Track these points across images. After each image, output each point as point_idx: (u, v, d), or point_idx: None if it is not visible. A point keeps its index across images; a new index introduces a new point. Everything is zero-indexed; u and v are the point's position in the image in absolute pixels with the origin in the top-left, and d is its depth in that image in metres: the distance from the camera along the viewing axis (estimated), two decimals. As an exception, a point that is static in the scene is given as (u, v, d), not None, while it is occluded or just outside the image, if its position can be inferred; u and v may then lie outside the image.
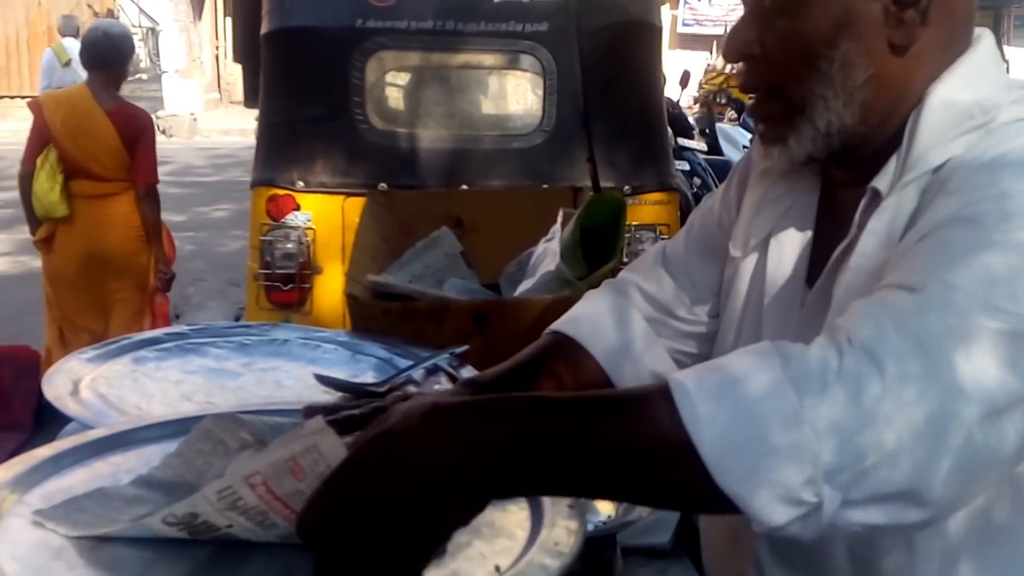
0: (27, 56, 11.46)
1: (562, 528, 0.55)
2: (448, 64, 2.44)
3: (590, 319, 0.72)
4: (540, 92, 2.34)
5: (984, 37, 0.62)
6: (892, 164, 0.58)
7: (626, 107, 2.26)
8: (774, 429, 0.44)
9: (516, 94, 2.69)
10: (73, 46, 6.23)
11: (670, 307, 0.72)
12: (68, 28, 6.54)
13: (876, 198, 0.58)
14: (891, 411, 0.45)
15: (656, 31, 2.40)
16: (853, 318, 0.49)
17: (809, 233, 0.64)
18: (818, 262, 0.63)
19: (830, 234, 0.62)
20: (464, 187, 2.18)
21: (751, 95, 0.64)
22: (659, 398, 0.46)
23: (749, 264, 0.67)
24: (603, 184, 1.83)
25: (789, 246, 0.65)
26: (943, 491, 0.46)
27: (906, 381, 0.45)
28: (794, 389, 0.45)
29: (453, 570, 0.53)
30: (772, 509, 0.45)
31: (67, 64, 6.18)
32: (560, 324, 0.73)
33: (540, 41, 2.26)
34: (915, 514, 0.46)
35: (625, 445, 0.46)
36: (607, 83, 2.17)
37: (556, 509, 0.58)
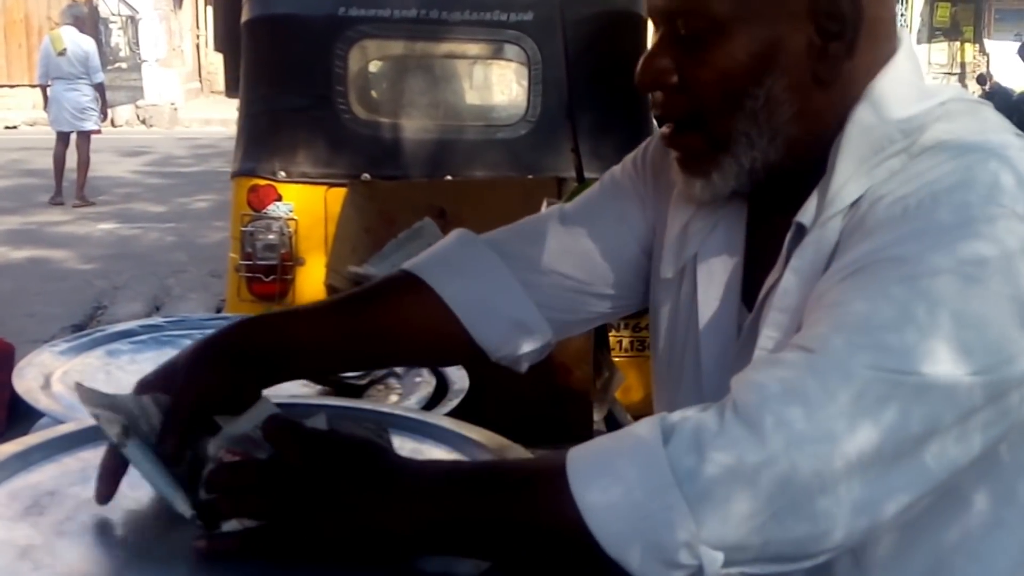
0: (3, 45, 11.24)
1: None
2: (432, 53, 2.41)
3: (443, 262, 0.68)
4: (525, 82, 2.32)
5: (903, 41, 0.59)
6: (815, 197, 0.56)
7: (611, 97, 2.24)
8: (651, 498, 0.47)
9: (501, 84, 2.67)
10: (70, 35, 6.11)
11: (553, 266, 0.68)
12: (67, 16, 6.42)
13: (801, 231, 0.57)
14: (764, 476, 0.46)
15: (641, 21, 2.39)
16: (744, 381, 0.50)
17: (739, 255, 0.62)
18: (752, 284, 0.61)
19: (761, 257, 0.60)
20: (448, 177, 2.16)
21: (663, 124, 0.61)
22: (552, 478, 0.49)
23: (679, 286, 0.65)
24: (589, 174, 1.82)
25: (719, 268, 0.62)
26: (823, 546, 0.48)
27: (778, 446, 0.46)
28: (669, 462, 0.47)
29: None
30: (655, 570, 0.47)
31: (62, 53, 6.07)
32: (411, 264, 0.68)
33: (525, 31, 2.24)
34: (804, 564, 0.49)
35: (518, 524, 0.50)
36: (592, 73, 2.16)
37: None
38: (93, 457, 0.63)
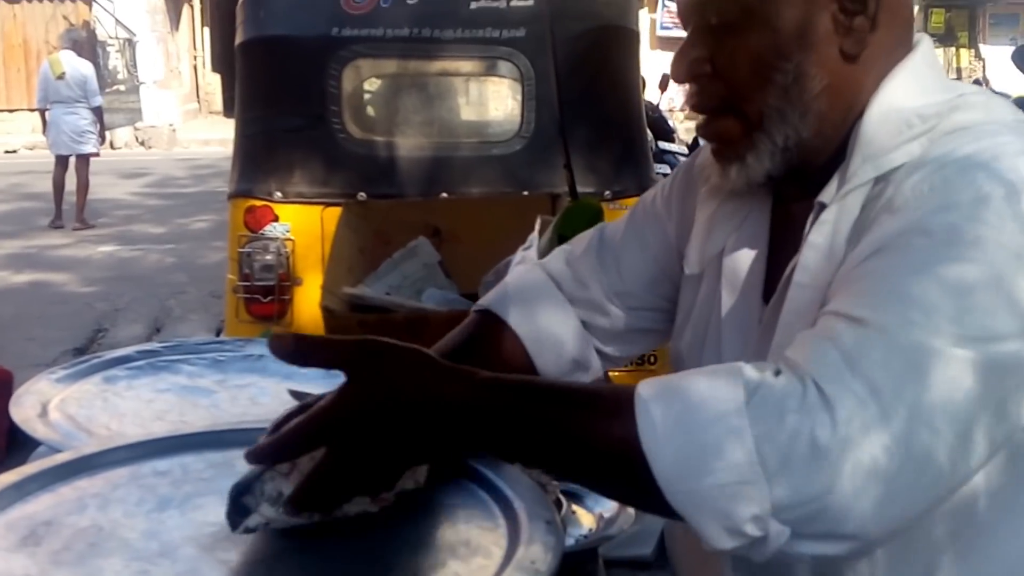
0: (2, 70, 11.34)
1: (539, 545, 0.55)
2: (426, 71, 2.44)
3: (519, 301, 0.72)
4: (519, 98, 2.34)
5: (923, 41, 0.62)
6: (835, 179, 0.58)
7: (605, 113, 2.27)
8: (726, 466, 0.46)
9: (494, 101, 2.69)
10: (69, 59, 6.17)
11: (600, 304, 0.72)
12: (65, 41, 6.49)
13: (821, 210, 0.58)
14: (845, 454, 0.46)
15: (633, 36, 2.41)
16: (805, 352, 0.49)
17: (763, 249, 0.64)
18: (773, 279, 0.62)
19: (783, 250, 0.62)
20: (444, 195, 2.17)
21: (703, 114, 0.64)
22: (624, 410, 0.48)
23: (704, 282, 0.67)
24: (582, 190, 1.83)
25: (743, 262, 0.64)
26: (886, 528, 0.48)
27: (859, 424, 0.46)
28: (752, 426, 0.46)
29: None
30: (718, 536, 0.47)
31: (60, 77, 6.13)
32: (489, 302, 0.73)
33: (517, 47, 2.26)
34: (861, 547, 0.48)
35: (589, 445, 0.50)
36: (585, 89, 2.18)
37: (534, 526, 0.57)
38: (89, 486, 0.64)
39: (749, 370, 0.48)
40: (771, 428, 0.46)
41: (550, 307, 0.72)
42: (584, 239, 0.76)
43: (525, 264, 0.95)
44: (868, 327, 0.49)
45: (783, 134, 0.59)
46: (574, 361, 0.71)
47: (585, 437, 0.50)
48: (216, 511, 0.60)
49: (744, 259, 0.64)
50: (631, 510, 0.85)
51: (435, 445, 0.53)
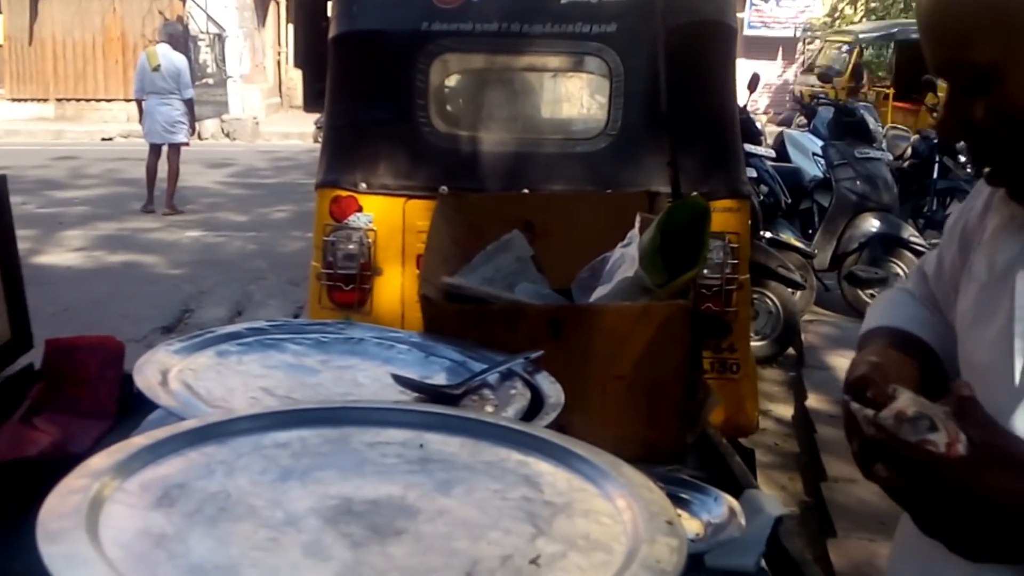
0: (102, 62, 12.05)
1: (663, 545, 0.53)
2: (513, 66, 2.43)
3: (915, 322, 0.80)
4: (605, 95, 2.30)
5: None
6: None
7: (699, 111, 2.21)
8: None
9: (581, 97, 2.67)
10: (164, 52, 6.50)
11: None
12: (162, 34, 6.83)
13: None
14: None
15: (731, 32, 2.34)
16: None
17: None
18: None
19: None
20: (526, 191, 2.17)
21: (984, 161, 0.67)
22: None
23: (998, 288, 0.69)
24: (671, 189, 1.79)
25: None
26: None
27: None
28: None
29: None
30: None
31: (156, 69, 6.45)
32: (895, 321, 0.80)
33: (608, 42, 2.22)
34: None
35: None
36: (680, 85, 2.13)
37: (654, 525, 0.55)
38: (216, 452, 0.66)
39: None
40: None
41: (938, 323, 0.80)
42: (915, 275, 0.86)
43: (626, 261, 0.96)
44: None
45: None
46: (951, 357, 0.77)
47: None
48: (336, 485, 0.62)
49: None
50: (740, 519, 0.83)
51: None
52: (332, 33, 2.35)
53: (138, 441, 0.65)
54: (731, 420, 2.28)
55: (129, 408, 1.08)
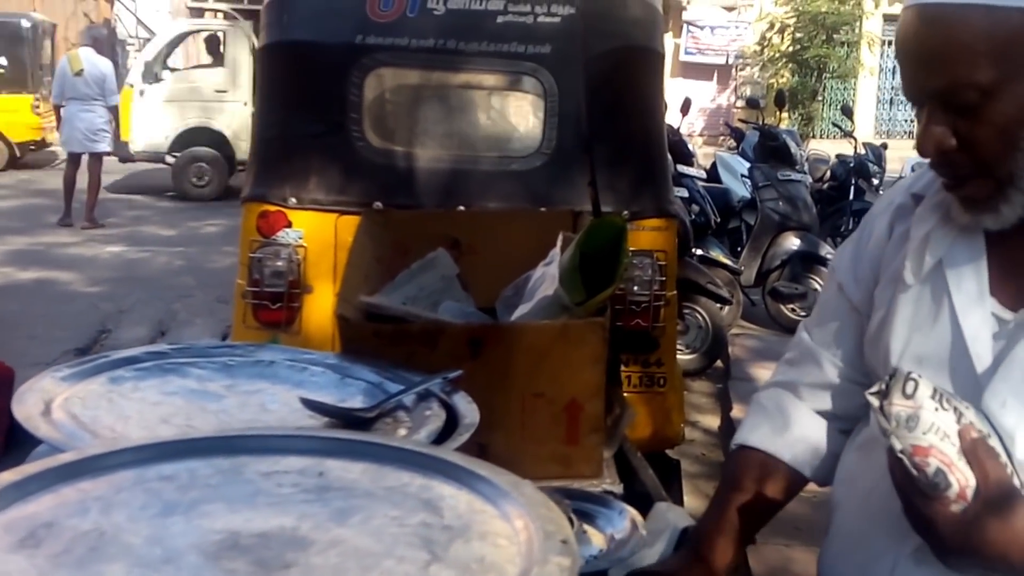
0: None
1: (555, 565, 0.52)
2: (448, 83, 2.43)
3: (779, 433, 0.85)
4: (541, 114, 2.32)
5: None
6: None
7: (627, 132, 2.25)
8: None
9: (516, 115, 2.68)
10: (88, 56, 6.22)
11: (831, 387, 0.85)
12: (86, 37, 6.54)
13: None
14: None
15: (659, 58, 2.40)
16: None
17: (981, 258, 0.72)
18: (1001, 287, 0.71)
19: (1008, 256, 0.71)
20: (461, 208, 2.16)
21: (950, 180, 0.71)
22: None
23: (924, 290, 0.74)
24: (602, 208, 1.81)
25: (968, 271, 0.72)
26: None
27: None
28: None
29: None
30: None
31: (78, 73, 6.17)
32: (756, 441, 0.86)
33: (542, 63, 2.25)
34: None
35: None
36: (609, 108, 2.16)
37: (548, 544, 0.54)
38: (92, 488, 0.61)
39: None
40: None
41: (807, 422, 0.85)
42: (796, 349, 0.89)
43: (547, 279, 0.98)
44: None
45: None
46: (834, 454, 0.84)
47: None
48: (223, 518, 0.58)
49: (968, 268, 0.72)
50: (642, 531, 0.83)
51: None
52: (261, 43, 2.29)
53: (4, 477, 0.60)
54: (658, 432, 2.31)
55: (19, 440, 1.00)
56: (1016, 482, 0.66)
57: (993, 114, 0.65)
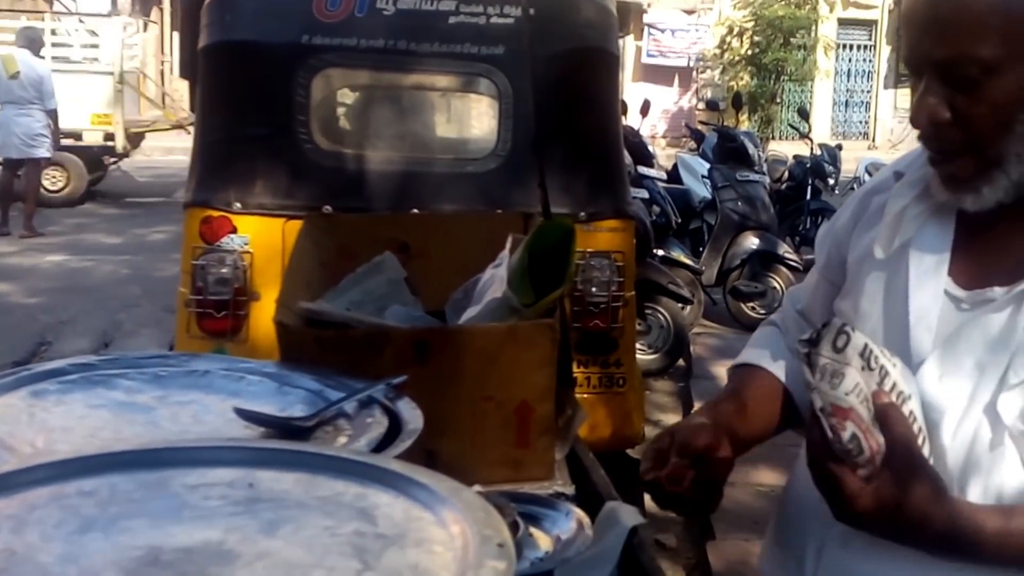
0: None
1: (489, 569, 0.50)
2: (400, 84, 2.40)
3: (769, 354, 0.89)
4: (495, 116, 2.31)
5: None
6: None
7: (582, 134, 2.25)
8: None
9: (471, 117, 2.67)
10: (24, 58, 5.96)
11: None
12: (21, 39, 6.26)
13: None
14: None
15: (613, 59, 2.41)
16: None
17: (947, 241, 0.73)
18: (962, 267, 0.72)
19: (980, 245, 0.72)
20: (415, 211, 2.13)
21: (939, 155, 0.71)
22: None
23: (891, 265, 0.76)
24: (557, 210, 1.80)
25: (931, 250, 0.73)
26: None
27: None
28: None
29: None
30: None
31: (14, 76, 5.91)
32: (754, 358, 0.90)
33: (496, 64, 2.23)
34: None
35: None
36: (563, 109, 2.16)
37: (484, 549, 0.53)
38: (4, 507, 0.57)
39: None
40: None
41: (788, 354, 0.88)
42: (785, 308, 0.94)
43: (495, 281, 0.98)
44: None
45: (1019, 171, 0.67)
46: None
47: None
48: (145, 534, 0.55)
49: (932, 247, 0.73)
50: (588, 531, 0.82)
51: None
52: (203, 42, 2.23)
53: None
54: (618, 432, 2.32)
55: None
56: (926, 449, 0.68)
57: (993, 92, 0.65)
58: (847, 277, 0.82)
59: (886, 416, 0.65)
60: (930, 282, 0.72)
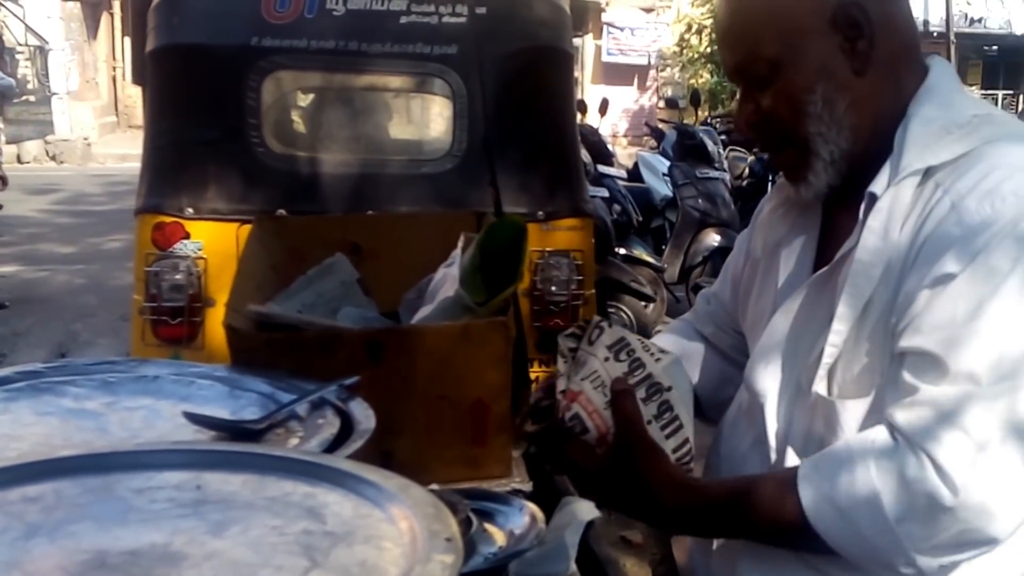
0: None
1: (437, 563, 0.52)
2: (352, 85, 2.38)
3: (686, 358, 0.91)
4: (450, 116, 2.30)
5: (938, 63, 0.76)
6: (886, 169, 0.71)
7: (536, 133, 2.26)
8: (878, 533, 0.66)
9: (425, 118, 2.67)
10: None
11: (721, 327, 0.96)
12: None
13: (873, 199, 0.71)
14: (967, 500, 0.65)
15: (567, 57, 2.43)
16: (917, 423, 0.65)
17: (814, 236, 0.80)
18: (822, 259, 0.78)
19: (832, 236, 0.78)
20: (370, 212, 2.12)
21: (767, 153, 0.81)
22: (788, 493, 0.70)
23: (765, 263, 0.84)
24: (515, 210, 1.82)
25: (798, 247, 0.80)
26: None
27: (970, 474, 0.63)
28: (892, 506, 0.66)
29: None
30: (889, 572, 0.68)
31: None
32: (669, 345, 0.90)
33: (449, 64, 2.23)
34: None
35: (761, 528, 0.73)
36: (517, 108, 2.17)
37: (433, 544, 0.54)
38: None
39: (908, 461, 0.65)
40: (906, 503, 0.64)
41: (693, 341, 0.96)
42: (699, 302, 1.02)
43: (448, 281, 1.01)
44: (962, 384, 0.64)
45: (828, 151, 0.73)
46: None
47: (760, 523, 0.73)
48: (90, 538, 0.55)
49: (799, 242, 0.80)
50: (541, 526, 0.84)
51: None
52: (150, 46, 2.18)
53: None
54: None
55: None
56: (679, 438, 0.76)
57: (783, 84, 0.73)
58: (743, 277, 0.91)
59: (615, 400, 0.74)
60: (796, 277, 0.79)
